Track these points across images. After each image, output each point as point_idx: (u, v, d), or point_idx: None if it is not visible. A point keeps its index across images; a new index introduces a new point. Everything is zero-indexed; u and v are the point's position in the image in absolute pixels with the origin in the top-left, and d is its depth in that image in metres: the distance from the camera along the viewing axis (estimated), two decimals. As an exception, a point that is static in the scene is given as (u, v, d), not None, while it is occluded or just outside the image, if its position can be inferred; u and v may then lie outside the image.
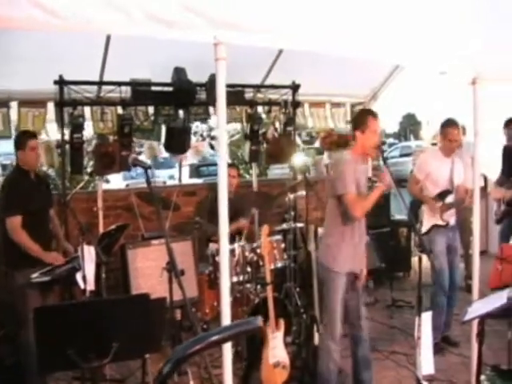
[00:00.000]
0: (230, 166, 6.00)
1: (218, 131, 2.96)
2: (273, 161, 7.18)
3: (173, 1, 2.59)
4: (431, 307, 4.66)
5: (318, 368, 3.99)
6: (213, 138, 17.34)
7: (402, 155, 21.82)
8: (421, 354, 3.44)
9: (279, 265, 5.15)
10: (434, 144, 8.64)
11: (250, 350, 4.42)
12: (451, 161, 4.97)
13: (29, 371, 4.00)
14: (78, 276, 3.96)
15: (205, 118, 6.26)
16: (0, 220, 4.18)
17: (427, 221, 4.92)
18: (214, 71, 2.86)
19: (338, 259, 3.85)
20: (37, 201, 4.31)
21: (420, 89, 7.03)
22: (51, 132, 5.98)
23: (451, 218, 4.97)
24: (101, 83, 5.55)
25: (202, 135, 17.72)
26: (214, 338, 1.12)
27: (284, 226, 5.41)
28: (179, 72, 5.43)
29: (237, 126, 10.12)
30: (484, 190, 7.10)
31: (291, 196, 5.19)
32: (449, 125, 4.93)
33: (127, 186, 11.98)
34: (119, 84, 5.45)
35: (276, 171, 12.53)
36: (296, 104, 6.50)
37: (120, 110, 5.61)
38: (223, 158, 2.93)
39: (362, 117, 3.99)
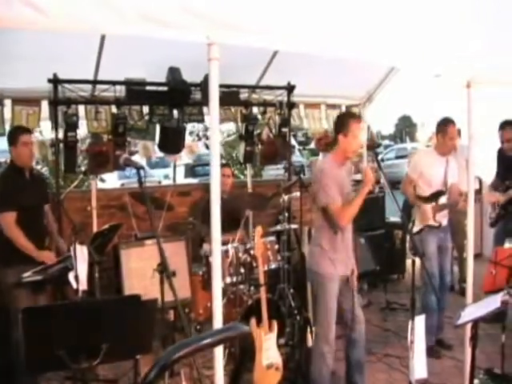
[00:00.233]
0: (223, 165, 6.00)
1: (211, 131, 2.94)
2: (267, 162, 7.16)
3: (167, 0, 2.57)
4: (422, 309, 4.66)
5: (311, 373, 3.98)
6: (208, 137, 17.24)
7: (397, 157, 21.95)
8: (414, 358, 3.44)
9: (273, 266, 5.16)
10: (429, 146, 8.63)
11: (242, 352, 4.40)
12: (446, 160, 4.96)
13: (20, 371, 3.97)
14: (71, 276, 3.95)
15: (199, 120, 6.22)
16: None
17: (419, 221, 4.91)
18: (209, 71, 2.85)
19: (331, 264, 3.84)
20: (30, 197, 4.29)
21: (415, 91, 7.03)
22: (45, 130, 5.96)
23: (444, 218, 4.97)
24: (95, 82, 5.52)
25: (198, 135, 17.67)
26: (201, 343, 1.10)
27: (278, 227, 5.39)
28: (174, 72, 5.41)
29: (232, 126, 10.11)
30: (479, 192, 7.09)
31: (285, 197, 5.17)
32: (448, 122, 4.91)
33: (122, 185, 11.93)
34: (114, 83, 5.42)
35: (271, 172, 12.54)
36: (291, 105, 6.47)
37: (114, 109, 5.58)
38: (216, 158, 2.91)
39: (344, 120, 3.91)
